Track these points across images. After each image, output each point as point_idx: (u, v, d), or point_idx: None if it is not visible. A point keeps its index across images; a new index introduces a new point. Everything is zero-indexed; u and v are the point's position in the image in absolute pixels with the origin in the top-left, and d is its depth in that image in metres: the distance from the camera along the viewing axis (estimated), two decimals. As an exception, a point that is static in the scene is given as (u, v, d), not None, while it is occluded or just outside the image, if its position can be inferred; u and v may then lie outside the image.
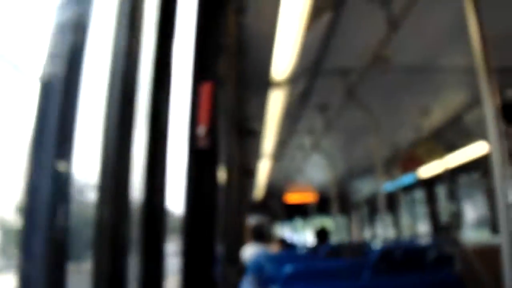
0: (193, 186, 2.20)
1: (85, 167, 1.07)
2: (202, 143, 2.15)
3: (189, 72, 2.11)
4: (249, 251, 6.94)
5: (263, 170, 12.30)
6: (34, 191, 0.94)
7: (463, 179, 9.24)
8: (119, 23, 1.26)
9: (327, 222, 16.87)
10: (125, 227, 1.13)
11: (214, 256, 2.74)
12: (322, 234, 9.03)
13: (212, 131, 2.19)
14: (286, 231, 18.61)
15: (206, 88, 2.21)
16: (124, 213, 1.13)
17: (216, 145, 2.33)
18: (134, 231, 1.21)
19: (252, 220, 7.40)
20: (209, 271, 2.38)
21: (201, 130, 2.16)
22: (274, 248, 7.97)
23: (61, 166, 0.92)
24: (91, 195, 1.18)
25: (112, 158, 1.11)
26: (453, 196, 9.37)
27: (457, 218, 9.32)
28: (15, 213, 0.90)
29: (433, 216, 10.63)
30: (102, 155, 1.11)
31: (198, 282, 2.17)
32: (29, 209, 0.94)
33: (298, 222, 19.41)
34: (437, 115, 7.88)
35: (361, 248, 8.08)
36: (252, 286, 3.85)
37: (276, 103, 6.51)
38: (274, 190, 16.34)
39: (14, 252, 0.92)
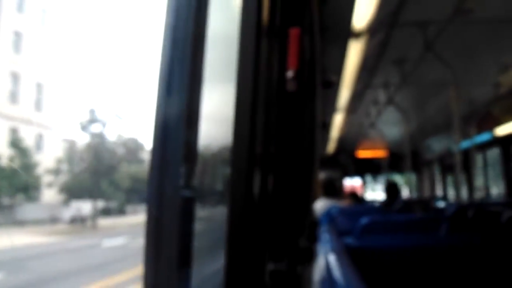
0: (282, 128, 2.27)
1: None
2: (291, 86, 2.25)
3: (277, 18, 2.17)
4: (321, 205, 7.09)
5: (337, 124, 12.31)
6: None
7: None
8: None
9: (398, 178, 16.80)
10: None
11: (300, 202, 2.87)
12: (392, 190, 9.01)
13: (300, 75, 2.28)
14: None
15: (294, 33, 2.29)
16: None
17: (303, 90, 2.44)
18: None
19: (323, 175, 7.50)
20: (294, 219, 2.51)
21: (290, 74, 2.24)
22: (345, 203, 8.06)
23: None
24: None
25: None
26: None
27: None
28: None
29: (508, 177, 10.44)
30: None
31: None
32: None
33: (369, 178, 19.41)
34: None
35: (431, 205, 8.07)
36: (330, 236, 3.97)
37: (353, 55, 6.52)
38: (346, 145, 16.32)
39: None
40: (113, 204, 40.39)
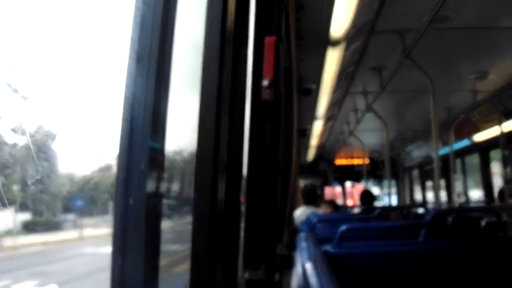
0: (256, 138, 2.26)
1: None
2: (266, 95, 2.24)
3: (252, 26, 2.17)
4: (300, 213, 7.10)
5: (317, 132, 12.33)
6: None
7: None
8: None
9: (377, 185, 16.91)
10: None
11: (278, 212, 2.86)
12: (367, 197, 9.06)
13: (276, 83, 2.27)
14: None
15: (269, 41, 2.28)
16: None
17: (279, 98, 2.43)
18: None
19: (303, 183, 7.50)
20: (271, 229, 2.50)
21: (265, 82, 2.22)
22: (325, 210, 8.07)
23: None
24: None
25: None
26: (508, 163, 9.24)
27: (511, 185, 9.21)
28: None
29: (487, 182, 10.53)
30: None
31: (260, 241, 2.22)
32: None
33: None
34: (494, 79, 7.76)
35: (410, 211, 8.11)
36: (308, 243, 3.96)
37: (331, 63, 6.53)
38: (326, 153, 16.39)
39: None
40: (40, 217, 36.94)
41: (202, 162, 1.09)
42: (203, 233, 1.03)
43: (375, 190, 17.04)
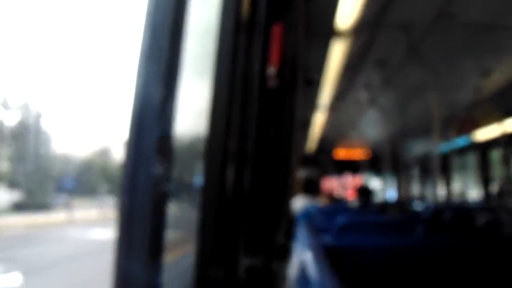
0: (260, 126, 2.26)
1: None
2: (271, 83, 2.24)
3: (260, 13, 2.15)
4: (299, 203, 7.12)
5: (318, 123, 12.34)
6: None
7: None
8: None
9: (376, 179, 16.92)
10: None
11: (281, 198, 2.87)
12: (364, 192, 9.04)
13: (281, 73, 2.26)
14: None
15: (277, 30, 2.28)
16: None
17: (284, 87, 2.43)
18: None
19: (302, 173, 7.51)
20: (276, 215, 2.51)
21: (271, 70, 2.22)
22: (323, 202, 8.08)
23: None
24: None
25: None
26: (508, 161, 9.26)
27: (510, 184, 9.24)
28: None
29: (486, 181, 10.55)
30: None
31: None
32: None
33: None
34: (498, 77, 7.76)
35: (409, 207, 8.13)
36: (306, 234, 3.98)
37: (337, 54, 6.54)
38: (326, 144, 16.38)
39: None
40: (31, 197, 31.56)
41: (212, 149, 1.10)
42: (210, 220, 1.04)
43: (375, 183, 17.07)
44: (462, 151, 11.53)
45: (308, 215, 5.51)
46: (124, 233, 0.98)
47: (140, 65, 1.03)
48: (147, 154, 0.99)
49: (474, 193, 11.61)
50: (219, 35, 1.19)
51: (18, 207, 27.83)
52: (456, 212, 4.98)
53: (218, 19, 1.19)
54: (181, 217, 1.27)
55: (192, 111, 1.26)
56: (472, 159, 11.56)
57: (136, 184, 0.97)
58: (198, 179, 1.20)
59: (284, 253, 3.37)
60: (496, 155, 10.12)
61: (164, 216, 1.02)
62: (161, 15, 1.05)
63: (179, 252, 1.19)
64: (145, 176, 0.99)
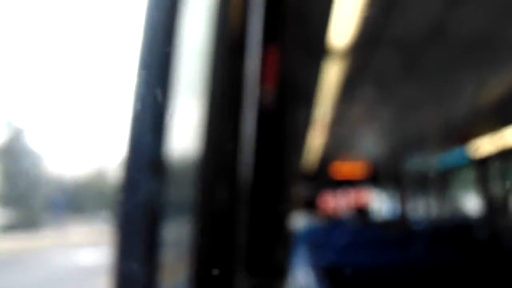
0: (259, 144, 2.26)
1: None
2: (266, 101, 2.24)
3: (255, 34, 2.16)
4: (298, 219, 7.10)
5: (315, 140, 12.34)
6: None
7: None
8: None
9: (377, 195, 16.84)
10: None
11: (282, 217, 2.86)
12: (360, 215, 9.04)
13: (276, 91, 2.27)
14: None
15: (272, 50, 2.28)
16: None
17: (283, 106, 2.43)
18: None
19: (301, 190, 7.51)
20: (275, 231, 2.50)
21: (267, 90, 2.22)
22: (321, 218, 8.09)
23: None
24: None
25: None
26: (507, 176, 9.23)
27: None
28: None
29: (486, 195, 10.51)
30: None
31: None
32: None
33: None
34: (496, 91, 7.77)
35: (409, 223, 8.10)
36: (305, 252, 3.97)
37: (332, 72, 6.55)
38: (325, 161, 16.36)
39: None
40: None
41: (204, 166, 1.10)
42: (203, 237, 1.04)
43: (375, 199, 17.03)
44: (461, 165, 11.50)
45: (307, 233, 5.50)
46: (121, 253, 0.98)
47: (136, 87, 1.04)
48: (142, 174, 0.99)
49: (475, 208, 11.56)
50: (212, 56, 1.20)
51: (7, 228, 26.40)
52: (457, 228, 4.97)
53: (210, 41, 1.20)
54: (175, 238, 1.26)
55: (186, 131, 1.26)
56: (471, 173, 11.52)
57: (131, 203, 0.98)
58: (191, 198, 1.20)
59: (283, 273, 3.35)
60: (496, 168, 10.08)
61: (159, 236, 1.02)
62: (156, 40, 1.06)
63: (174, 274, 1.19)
64: (140, 195, 0.99)
